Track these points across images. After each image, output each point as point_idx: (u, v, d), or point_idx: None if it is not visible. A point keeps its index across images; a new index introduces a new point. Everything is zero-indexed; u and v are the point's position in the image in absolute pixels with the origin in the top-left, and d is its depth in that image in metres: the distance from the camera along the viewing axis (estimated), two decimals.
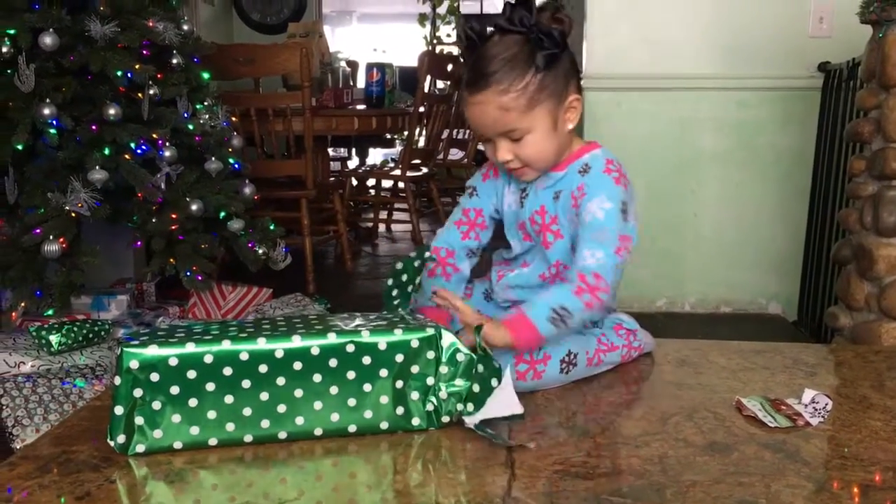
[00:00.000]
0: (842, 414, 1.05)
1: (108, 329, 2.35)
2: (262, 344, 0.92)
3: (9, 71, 2.10)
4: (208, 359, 0.91)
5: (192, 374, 0.91)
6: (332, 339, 0.94)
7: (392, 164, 5.31)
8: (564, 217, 1.18)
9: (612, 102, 3.09)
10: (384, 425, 0.97)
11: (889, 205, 2.02)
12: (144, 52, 2.29)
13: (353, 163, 5.80)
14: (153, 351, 0.90)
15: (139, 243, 2.45)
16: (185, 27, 2.47)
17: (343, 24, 10.51)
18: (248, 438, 0.94)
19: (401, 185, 4.58)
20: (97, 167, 2.12)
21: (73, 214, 2.11)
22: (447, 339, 0.99)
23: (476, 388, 0.99)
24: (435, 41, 7.15)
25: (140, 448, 0.91)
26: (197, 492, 0.84)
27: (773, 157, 3.09)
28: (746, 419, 1.03)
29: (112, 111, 2.16)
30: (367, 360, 0.95)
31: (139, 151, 2.22)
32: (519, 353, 1.09)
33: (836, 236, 2.64)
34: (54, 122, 2.09)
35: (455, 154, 4.99)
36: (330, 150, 5.05)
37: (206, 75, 2.53)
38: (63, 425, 1.02)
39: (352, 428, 0.96)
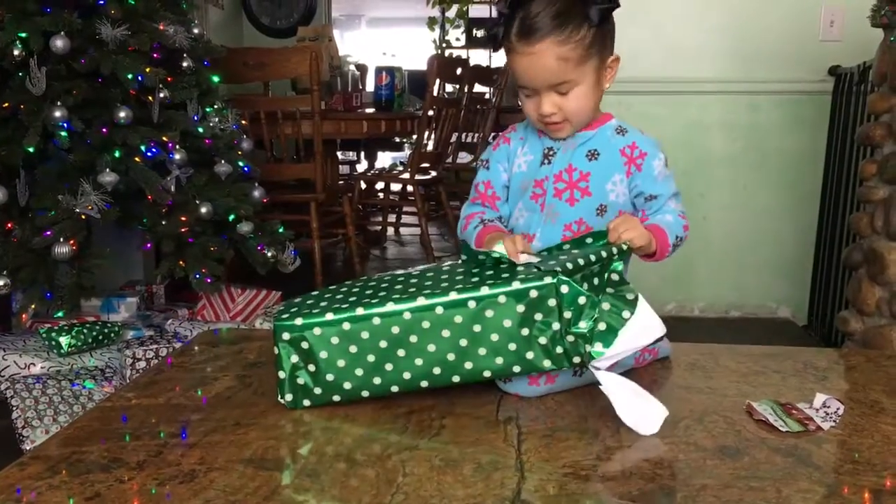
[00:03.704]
0: (853, 418, 1.04)
1: (118, 331, 2.36)
2: (390, 307, 1.01)
3: (20, 74, 2.12)
4: (346, 326, 1.02)
5: (335, 341, 1.02)
6: (453, 296, 1.01)
7: (401, 168, 5.32)
8: (606, 175, 1.21)
9: (622, 105, 3.08)
10: (516, 368, 1.04)
11: None
12: (155, 55, 2.30)
13: (362, 166, 5.82)
14: (299, 322, 1.02)
15: (149, 246, 2.47)
16: (196, 31, 2.49)
17: (352, 28, 10.55)
18: (394, 389, 1.05)
19: (409, 188, 4.59)
20: (107, 170, 2.14)
21: (84, 217, 2.12)
22: (565, 285, 1.01)
23: (602, 325, 1.02)
24: (444, 45, 7.17)
25: (306, 402, 1.05)
26: (206, 492, 0.84)
27: (784, 161, 3.08)
28: (757, 423, 1.02)
29: (122, 114, 2.17)
30: (489, 312, 1.01)
31: (149, 154, 2.23)
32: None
33: (847, 240, 2.63)
34: (65, 125, 2.11)
35: (464, 158, 4.99)
36: (339, 154, 5.06)
37: (215, 79, 2.54)
38: (73, 426, 1.03)
39: (486, 373, 1.04)
